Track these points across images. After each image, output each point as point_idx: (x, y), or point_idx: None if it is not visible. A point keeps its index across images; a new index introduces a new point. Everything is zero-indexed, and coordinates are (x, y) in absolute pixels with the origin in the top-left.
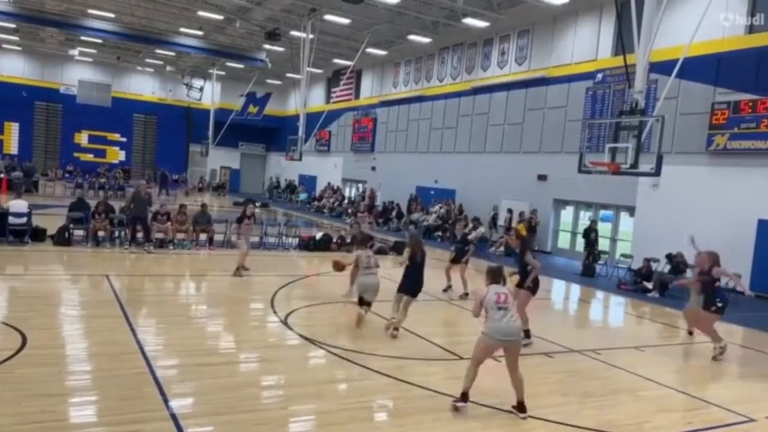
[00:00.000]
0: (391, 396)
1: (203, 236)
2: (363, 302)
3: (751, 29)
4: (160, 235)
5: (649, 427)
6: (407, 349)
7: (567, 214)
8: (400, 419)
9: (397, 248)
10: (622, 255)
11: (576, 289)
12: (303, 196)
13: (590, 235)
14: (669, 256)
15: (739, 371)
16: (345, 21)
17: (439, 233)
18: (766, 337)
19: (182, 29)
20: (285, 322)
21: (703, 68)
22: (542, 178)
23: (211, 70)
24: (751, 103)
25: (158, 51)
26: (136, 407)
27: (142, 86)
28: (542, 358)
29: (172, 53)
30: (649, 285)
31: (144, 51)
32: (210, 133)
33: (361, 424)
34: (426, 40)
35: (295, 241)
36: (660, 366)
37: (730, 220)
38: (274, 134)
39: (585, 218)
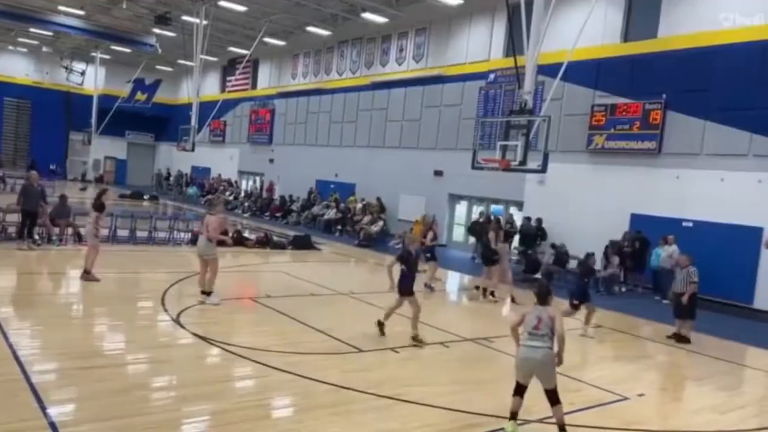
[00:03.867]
0: (289, 392)
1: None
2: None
3: (626, 38)
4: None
5: (536, 410)
6: (306, 345)
7: (461, 208)
8: (299, 415)
9: (296, 243)
10: (514, 248)
11: (469, 281)
12: (192, 189)
13: (475, 227)
14: (553, 246)
15: (614, 354)
16: (241, 8)
17: (339, 227)
18: (636, 321)
19: (61, 7)
20: (177, 321)
21: (585, 72)
22: (438, 173)
23: (94, 53)
24: (625, 107)
25: (33, 30)
26: (9, 416)
27: (15, 68)
28: (438, 348)
29: (49, 33)
30: (537, 275)
31: (16, 29)
32: (93, 120)
33: (259, 423)
34: (325, 32)
35: (187, 236)
36: None
37: (607, 213)
38: (165, 123)
39: (477, 212)
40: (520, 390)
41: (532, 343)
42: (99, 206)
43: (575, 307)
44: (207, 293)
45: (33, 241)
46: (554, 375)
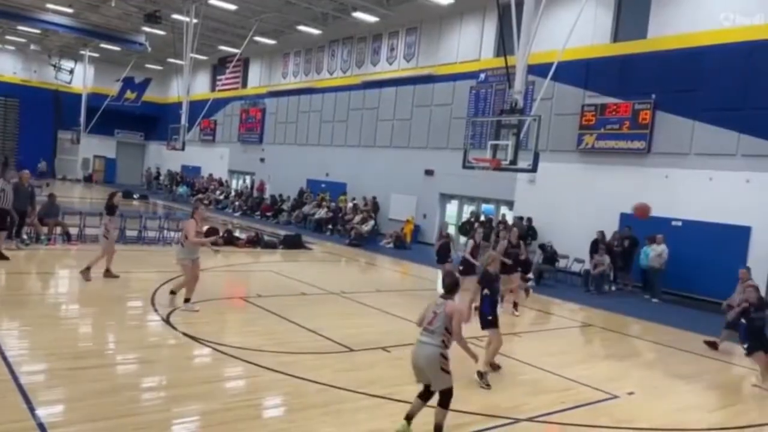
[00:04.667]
0: (280, 392)
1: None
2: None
3: (615, 38)
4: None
5: (527, 408)
6: (297, 344)
7: (452, 207)
8: (290, 415)
9: (287, 242)
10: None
11: (459, 281)
12: (182, 189)
13: (465, 227)
14: (542, 247)
15: (604, 353)
16: (231, 7)
17: (330, 226)
18: (625, 320)
19: (49, 5)
20: (167, 321)
21: (575, 72)
22: (429, 173)
23: (83, 51)
24: (615, 107)
25: (21, 27)
26: None
27: (2, 65)
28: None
29: (37, 31)
30: (529, 275)
31: (4, 27)
32: (82, 119)
33: (250, 423)
34: (316, 31)
35: (177, 235)
36: (536, 350)
37: (597, 213)
38: (155, 122)
39: (468, 212)
40: (421, 391)
41: (422, 338)
42: (110, 208)
43: (748, 354)
44: (186, 300)
45: (21, 240)
46: (440, 377)
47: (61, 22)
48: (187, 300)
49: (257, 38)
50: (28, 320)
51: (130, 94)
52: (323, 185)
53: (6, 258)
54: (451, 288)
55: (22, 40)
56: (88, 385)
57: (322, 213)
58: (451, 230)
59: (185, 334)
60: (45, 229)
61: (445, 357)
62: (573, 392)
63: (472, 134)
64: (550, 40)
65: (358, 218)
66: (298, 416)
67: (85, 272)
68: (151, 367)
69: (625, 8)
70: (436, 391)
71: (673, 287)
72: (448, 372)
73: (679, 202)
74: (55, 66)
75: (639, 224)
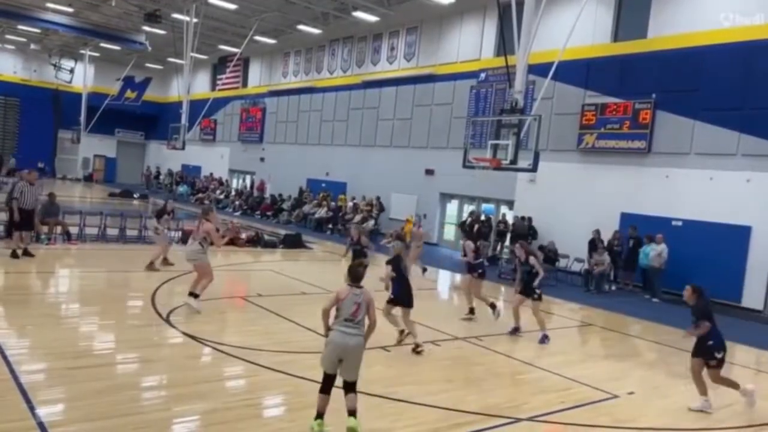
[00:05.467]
0: (281, 391)
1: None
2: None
3: (616, 38)
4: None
5: (527, 408)
6: (297, 344)
7: (452, 207)
8: (290, 414)
9: (287, 242)
10: (506, 246)
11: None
12: (183, 188)
13: (464, 226)
14: (541, 248)
15: (604, 352)
16: (231, 6)
17: (330, 226)
18: (625, 320)
19: (49, 4)
20: (167, 320)
21: (575, 72)
22: (429, 172)
23: (83, 51)
24: (615, 106)
25: (21, 27)
26: None
27: (2, 65)
28: (428, 347)
29: (37, 30)
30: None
31: (4, 26)
32: (82, 118)
33: (249, 422)
34: (316, 31)
35: (178, 234)
36: (536, 350)
37: (597, 213)
38: (155, 121)
39: (467, 211)
40: (328, 384)
41: (348, 330)
42: (159, 213)
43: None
44: (194, 295)
45: (21, 239)
46: (358, 366)
47: (61, 21)
48: (196, 296)
49: (257, 37)
50: (28, 319)
51: (130, 94)
52: (323, 185)
53: (31, 255)
54: (360, 277)
55: (22, 39)
56: (88, 385)
57: (322, 212)
58: (451, 229)
59: (185, 334)
60: (45, 229)
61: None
62: (573, 392)
63: (472, 134)
64: (551, 39)
65: (358, 218)
66: (298, 416)
67: (150, 266)
68: (151, 366)
69: (625, 8)
70: (346, 380)
71: (673, 287)
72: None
73: (680, 201)
74: (55, 65)
75: (641, 224)
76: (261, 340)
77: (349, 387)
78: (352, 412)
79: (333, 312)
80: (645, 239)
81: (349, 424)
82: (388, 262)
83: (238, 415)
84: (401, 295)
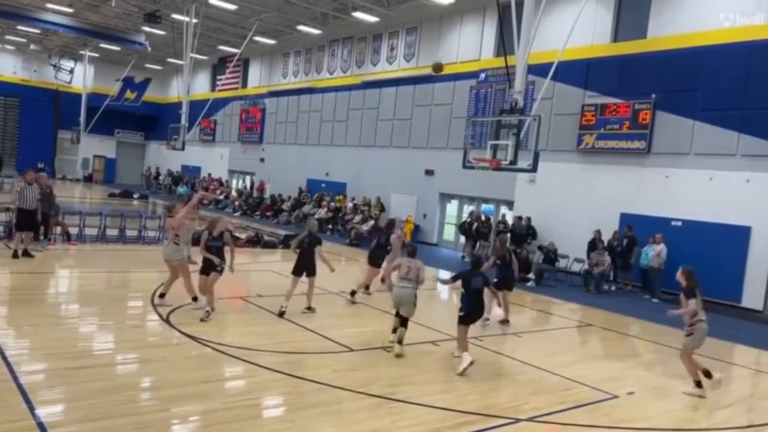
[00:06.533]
0: (280, 392)
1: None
2: (399, 315)
3: (615, 38)
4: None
5: (527, 408)
6: (297, 344)
7: (452, 207)
8: (290, 414)
9: (287, 242)
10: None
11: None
12: (183, 189)
13: (465, 226)
14: (541, 248)
15: (603, 353)
16: (231, 7)
17: (330, 226)
18: (624, 320)
19: (49, 5)
20: (167, 321)
21: (575, 72)
22: (429, 172)
23: (82, 51)
24: (615, 107)
25: (20, 27)
26: None
27: (2, 65)
28: (429, 347)
29: (37, 31)
30: (530, 275)
31: (4, 27)
32: (82, 119)
33: (249, 423)
34: (316, 31)
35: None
36: (536, 351)
37: (597, 213)
38: (154, 122)
39: (467, 212)
40: (397, 314)
41: (402, 284)
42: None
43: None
44: (194, 299)
45: (21, 240)
46: (412, 308)
47: (61, 21)
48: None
49: (257, 38)
50: (28, 320)
51: (130, 94)
52: (323, 185)
53: (31, 256)
54: (414, 251)
55: (22, 39)
56: (87, 385)
57: (322, 213)
58: (451, 229)
59: (185, 334)
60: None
61: (415, 295)
62: (572, 392)
63: (472, 134)
64: (550, 40)
65: (358, 218)
66: (297, 416)
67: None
68: (150, 366)
69: (625, 8)
70: (403, 316)
71: (672, 287)
72: (415, 305)
73: (679, 202)
74: (55, 66)
75: (640, 224)
76: (261, 341)
77: (403, 322)
78: (400, 341)
79: (395, 274)
80: (648, 239)
81: (395, 351)
82: (454, 278)
83: (238, 416)
84: (472, 309)
